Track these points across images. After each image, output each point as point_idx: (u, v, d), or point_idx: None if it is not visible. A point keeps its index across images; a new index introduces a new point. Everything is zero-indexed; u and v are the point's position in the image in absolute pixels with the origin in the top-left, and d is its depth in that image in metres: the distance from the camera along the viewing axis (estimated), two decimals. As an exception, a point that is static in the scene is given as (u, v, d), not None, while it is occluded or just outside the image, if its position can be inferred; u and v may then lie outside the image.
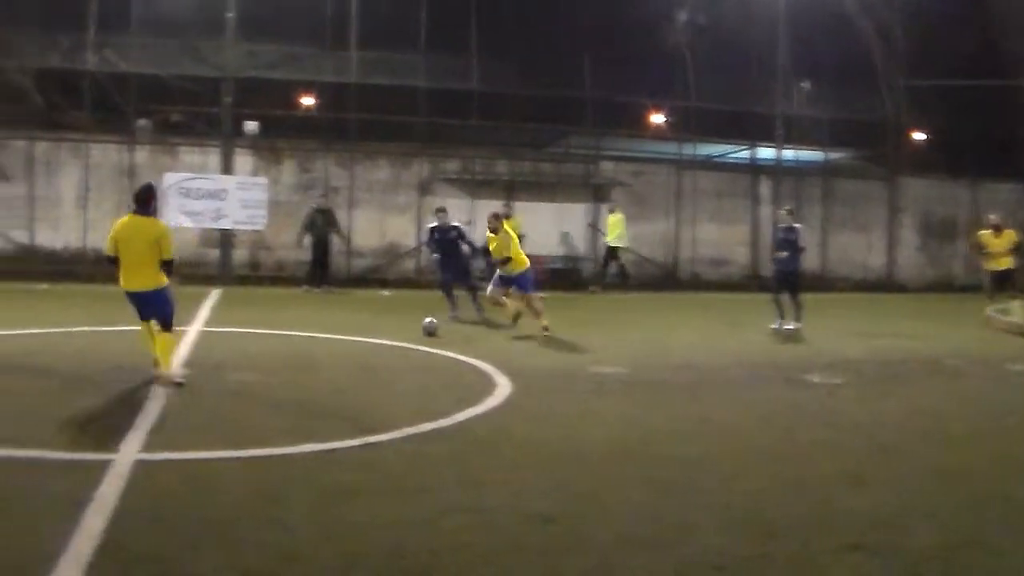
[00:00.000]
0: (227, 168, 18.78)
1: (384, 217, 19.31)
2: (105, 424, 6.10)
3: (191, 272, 18.09)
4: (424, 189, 19.53)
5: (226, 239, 18.62)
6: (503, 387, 7.65)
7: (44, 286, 16.10)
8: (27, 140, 18.03)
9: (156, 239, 7.10)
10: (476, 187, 19.76)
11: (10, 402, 6.84)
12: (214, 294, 15.57)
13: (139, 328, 7.58)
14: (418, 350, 9.89)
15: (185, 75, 18.45)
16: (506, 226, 11.45)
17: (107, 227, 18.58)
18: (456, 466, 5.36)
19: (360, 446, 5.67)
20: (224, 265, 18.53)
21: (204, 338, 10.28)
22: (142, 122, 18.63)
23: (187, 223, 18.10)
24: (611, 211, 18.61)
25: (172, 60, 18.52)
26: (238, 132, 18.85)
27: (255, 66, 18.81)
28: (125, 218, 7.27)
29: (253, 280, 18.23)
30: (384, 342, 10.40)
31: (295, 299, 15.59)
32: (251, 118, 18.83)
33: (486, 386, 7.70)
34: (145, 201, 7.21)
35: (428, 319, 10.82)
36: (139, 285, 7.14)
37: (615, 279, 18.67)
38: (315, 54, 19.13)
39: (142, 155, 18.52)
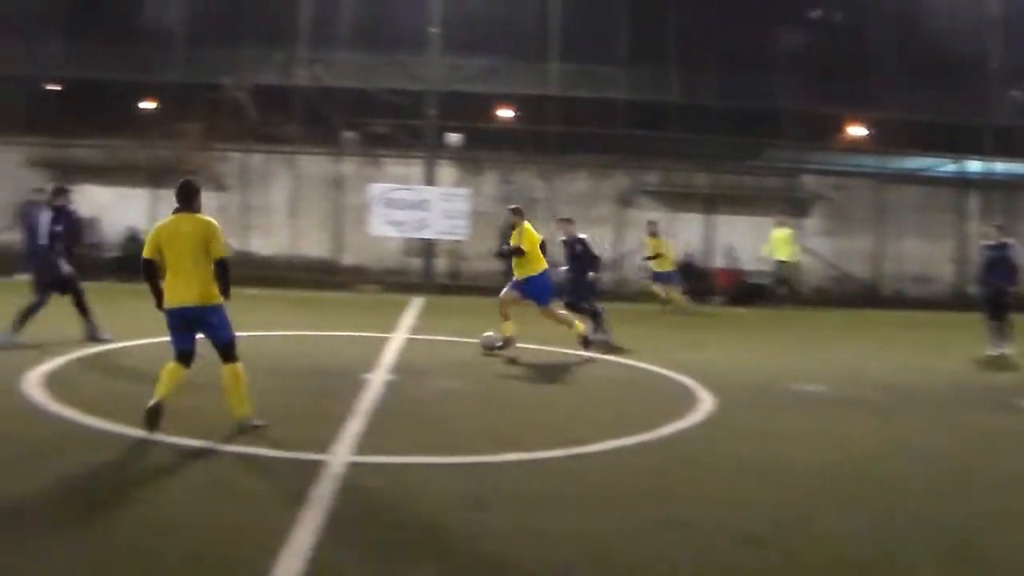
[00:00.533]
0: (430, 179, 19.25)
1: (581, 229, 19.58)
2: (320, 426, 6.21)
3: (394, 280, 18.62)
4: (623, 201, 19.88)
5: (428, 249, 19.04)
6: (705, 402, 7.53)
7: (255, 291, 17.01)
8: (242, 152, 19.06)
9: (205, 239, 5.74)
10: (675, 200, 20.03)
11: None
12: (416, 302, 15.89)
13: (178, 366, 5.82)
14: (618, 362, 9.85)
15: (390, 89, 19.16)
16: (526, 225, 9.98)
17: (316, 235, 19.79)
18: (662, 480, 5.33)
19: (565, 457, 5.67)
20: (426, 274, 18.90)
21: (409, 345, 10.46)
22: (349, 134, 19.52)
23: (391, 232, 18.69)
24: (778, 225, 18.01)
25: (378, 74, 19.26)
26: (441, 144, 19.42)
27: (458, 79, 19.35)
28: (169, 217, 5.94)
29: (453, 289, 18.51)
30: (584, 353, 10.04)
31: (493, 309, 15.76)
32: (454, 130, 19.47)
33: (689, 400, 7.62)
34: (189, 196, 5.87)
35: (487, 333, 10.00)
36: (191, 298, 5.68)
37: (779, 294, 17.96)
38: (516, 67, 19.63)
39: (349, 166, 19.32)
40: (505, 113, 20.95)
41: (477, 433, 6.38)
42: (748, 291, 18.43)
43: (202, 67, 18.98)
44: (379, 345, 10.08)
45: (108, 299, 14.03)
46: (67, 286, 9.44)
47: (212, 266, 5.73)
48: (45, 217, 9.47)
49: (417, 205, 18.61)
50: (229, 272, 5.82)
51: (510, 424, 6.77)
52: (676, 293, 15.61)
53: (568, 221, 11.52)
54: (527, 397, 7.99)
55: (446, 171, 19.49)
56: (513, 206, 10.67)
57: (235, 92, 18.87)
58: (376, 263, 19.06)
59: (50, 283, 9.28)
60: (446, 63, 19.33)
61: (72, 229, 9.72)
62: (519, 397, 7.95)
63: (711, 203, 19.74)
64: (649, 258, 15.61)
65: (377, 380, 8.01)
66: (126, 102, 19.67)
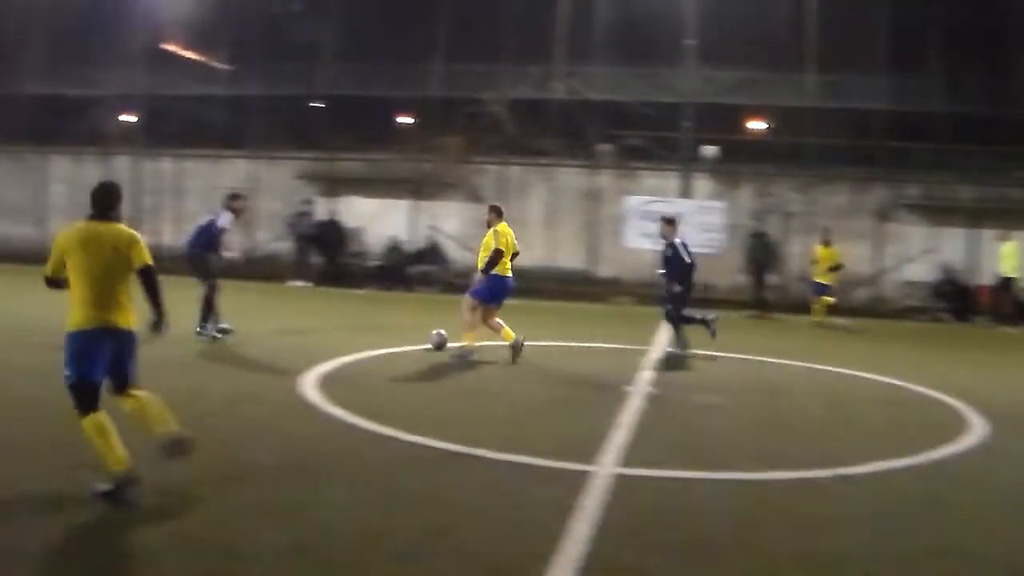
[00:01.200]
0: (685, 192, 20.36)
1: (839, 244, 20.72)
2: (585, 436, 6.56)
3: (648, 293, 20.23)
4: (882, 216, 20.50)
5: None
6: (977, 426, 7.51)
7: (513, 301, 18.90)
8: (500, 165, 20.67)
9: (128, 250, 4.98)
10: (936, 214, 20.11)
11: (506, 409, 7.76)
12: None
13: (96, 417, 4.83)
14: (877, 380, 9.91)
15: (646, 101, 20.48)
16: (501, 227, 9.96)
17: (571, 247, 21.73)
18: (936, 506, 5.33)
19: (832, 477, 5.79)
20: None
21: (667, 358, 10.92)
22: (604, 147, 20.71)
23: (646, 245, 19.91)
24: (1004, 239, 18.24)
25: (633, 87, 20.50)
26: (696, 156, 20.38)
27: (713, 91, 20.31)
28: (79, 224, 5.07)
29: (709, 303, 20.05)
30: (844, 371, 10.40)
31: (742, 324, 16.19)
32: (708, 142, 20.34)
33: (958, 423, 7.62)
34: (109, 202, 5.07)
35: (436, 331, 10.38)
36: (113, 319, 4.90)
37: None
38: (771, 78, 20.38)
39: (604, 179, 20.50)
40: (758, 125, 22.10)
41: (741, 449, 6.57)
42: (1020, 309, 19.23)
43: (461, 82, 20.91)
44: (638, 357, 10.58)
45: (370, 304, 15.60)
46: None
47: (127, 283, 4.98)
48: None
49: (672, 218, 20.54)
50: (157, 281, 5.08)
51: (773, 441, 6.95)
52: (821, 304, 16.11)
53: (668, 222, 11.54)
54: (790, 415, 8.14)
55: (701, 183, 20.40)
56: (492, 203, 10.56)
57: (493, 106, 20.89)
58: (630, 275, 20.03)
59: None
60: (701, 75, 20.32)
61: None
62: (779, 413, 8.13)
63: (976, 217, 20.25)
64: (832, 268, 16.24)
65: (639, 392, 8.43)
66: (389, 117, 22.24)
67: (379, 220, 20.93)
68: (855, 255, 20.48)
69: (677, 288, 11.15)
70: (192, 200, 21.81)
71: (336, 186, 21.28)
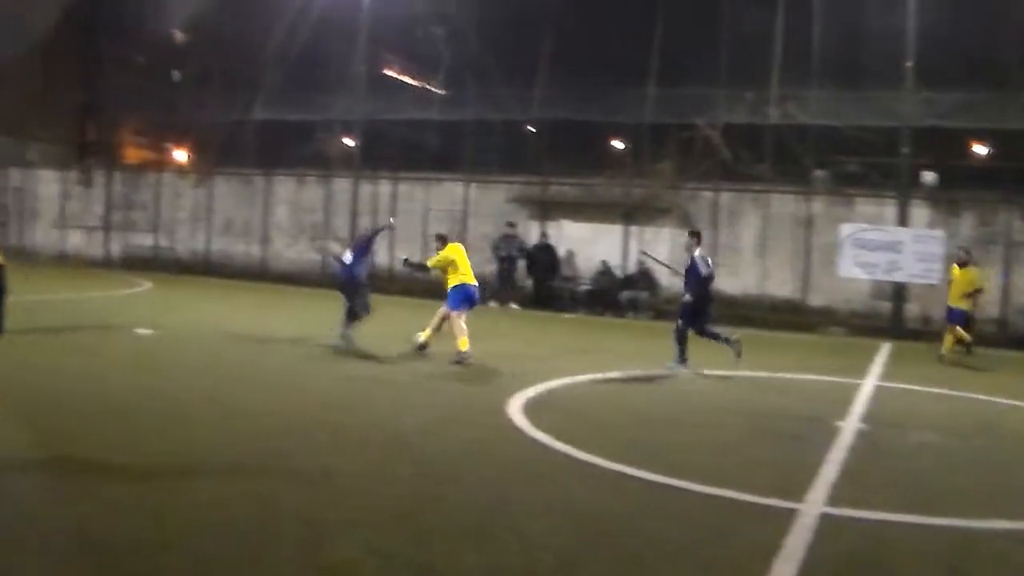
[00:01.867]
0: (903, 220, 21.02)
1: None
2: (792, 472, 6.75)
3: (861, 324, 20.50)
4: (1120, 246, 21.52)
5: (899, 292, 20.80)
6: None
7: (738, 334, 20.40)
8: (713, 191, 22.01)
9: None
10: None
11: (712, 439, 8.05)
12: (884, 348, 17.43)
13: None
14: None
15: (862, 125, 21.22)
16: (448, 248, 12.42)
17: (782, 275, 23.49)
18: None
19: None
20: (896, 319, 20.70)
21: (880, 393, 11.15)
22: (819, 173, 21.69)
23: (860, 274, 20.67)
24: None
25: (850, 111, 21.29)
26: (915, 183, 21.06)
27: (933, 115, 20.84)
28: None
29: (925, 335, 19.66)
30: None
31: (955, 359, 16.01)
32: (928, 168, 21.02)
33: None
34: None
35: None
36: None
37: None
38: (995, 100, 20.81)
39: (818, 205, 21.49)
40: (981, 149, 23.27)
41: (956, 492, 6.60)
42: None
43: (675, 107, 22.00)
44: (849, 391, 10.89)
45: (578, 329, 16.73)
46: None
47: None
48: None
49: (889, 246, 20.45)
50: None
51: (992, 486, 6.92)
52: (953, 335, 15.87)
53: (692, 234, 12.78)
54: (1005, 455, 8.16)
55: (919, 211, 21.03)
56: (439, 232, 13.32)
57: (707, 131, 23.12)
58: (843, 305, 20.95)
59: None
60: (920, 97, 20.97)
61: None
62: (996, 454, 8.15)
63: None
64: (970, 294, 16.05)
65: (849, 428, 8.60)
66: (602, 141, 24.77)
67: (590, 244, 23.20)
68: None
69: (688, 297, 12.28)
70: (407, 221, 25.16)
71: (548, 210, 23.90)
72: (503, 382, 10.12)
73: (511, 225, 22.35)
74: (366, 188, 24.94)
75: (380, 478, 5.93)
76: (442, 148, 24.46)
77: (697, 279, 12.27)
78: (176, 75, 26.37)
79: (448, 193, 24.07)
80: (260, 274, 24.91)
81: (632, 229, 22.49)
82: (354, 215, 24.22)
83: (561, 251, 22.59)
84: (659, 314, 20.97)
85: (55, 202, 28.32)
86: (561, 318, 20.30)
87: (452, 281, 12.18)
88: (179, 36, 27.01)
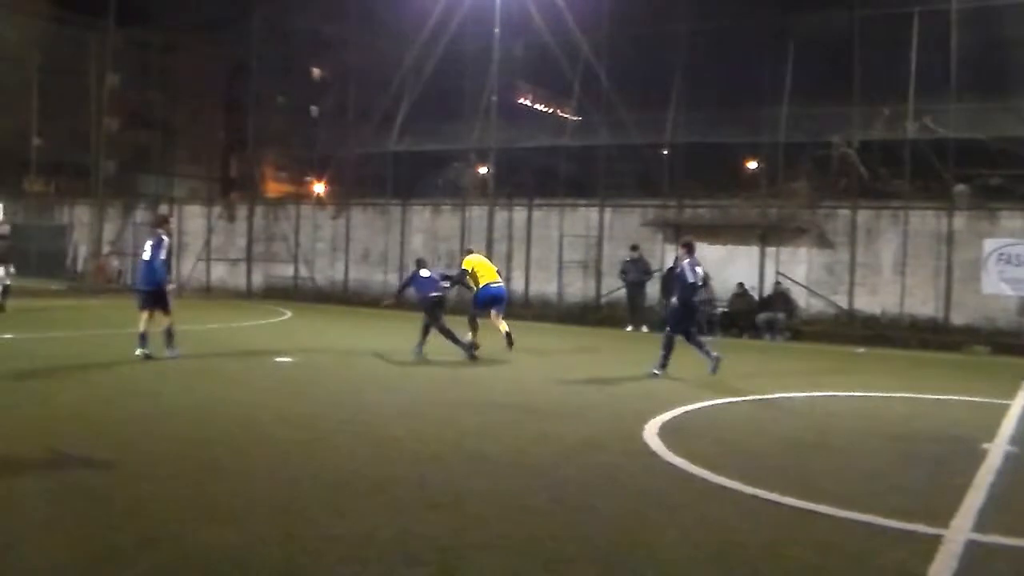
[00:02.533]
0: None
1: None
2: (936, 497, 6.79)
3: (1007, 342, 20.85)
4: None
5: None
6: None
7: (861, 350, 20.28)
8: (850, 209, 22.88)
9: None
10: None
11: (849, 463, 8.08)
12: None
13: None
14: None
15: (1005, 136, 21.91)
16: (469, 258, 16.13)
17: (922, 293, 24.56)
18: None
19: None
20: None
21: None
22: (960, 187, 22.35)
23: (1007, 291, 21.49)
24: None
25: (992, 122, 22.14)
26: None
27: None
28: None
29: None
30: None
31: None
32: None
33: None
34: None
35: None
36: None
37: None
38: None
39: (959, 221, 22.23)
40: None
41: None
42: None
43: (809, 125, 23.08)
44: (996, 412, 10.93)
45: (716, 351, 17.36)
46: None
47: None
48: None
49: (1036, 261, 19.89)
50: None
51: None
52: None
53: (683, 245, 14.37)
54: None
55: None
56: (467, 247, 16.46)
57: (843, 149, 23.95)
58: (987, 323, 21.59)
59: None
60: None
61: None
62: None
63: None
64: None
65: (997, 451, 8.57)
66: (736, 162, 26.88)
67: (726, 266, 24.83)
68: None
69: (675, 302, 13.80)
70: (541, 248, 27.89)
71: (683, 233, 26.31)
72: (638, 406, 10.53)
73: (634, 248, 24.05)
74: (501, 215, 27.60)
75: (516, 506, 6.22)
76: (576, 174, 26.89)
77: (683, 286, 13.66)
78: (314, 110, 29.84)
79: (583, 218, 26.32)
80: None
81: (768, 250, 24.14)
82: (489, 242, 26.84)
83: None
84: (796, 335, 22.13)
85: (200, 236, 32.22)
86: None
87: (478, 285, 15.31)
88: (316, 73, 30.55)
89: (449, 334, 14.76)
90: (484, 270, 15.54)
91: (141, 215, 30.61)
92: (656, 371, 13.52)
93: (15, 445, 7.83)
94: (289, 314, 24.02)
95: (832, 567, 5.31)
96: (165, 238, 13.60)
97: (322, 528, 5.70)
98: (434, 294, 15.06)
